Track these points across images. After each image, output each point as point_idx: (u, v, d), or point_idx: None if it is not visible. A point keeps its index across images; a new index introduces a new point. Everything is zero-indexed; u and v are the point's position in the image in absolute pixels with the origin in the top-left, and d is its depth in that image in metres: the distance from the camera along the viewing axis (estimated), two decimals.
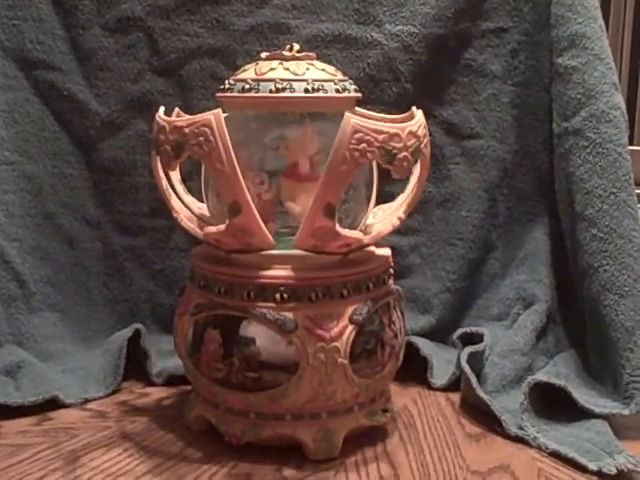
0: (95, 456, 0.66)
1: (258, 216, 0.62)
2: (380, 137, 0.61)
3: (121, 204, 0.90)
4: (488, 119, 0.89)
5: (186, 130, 0.61)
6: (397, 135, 0.62)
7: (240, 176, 0.60)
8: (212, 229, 0.65)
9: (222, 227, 0.63)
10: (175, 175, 0.74)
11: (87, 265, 0.90)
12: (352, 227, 0.68)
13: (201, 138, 0.60)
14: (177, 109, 0.71)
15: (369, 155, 0.60)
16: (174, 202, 0.70)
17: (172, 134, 0.62)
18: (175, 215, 0.69)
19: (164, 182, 0.69)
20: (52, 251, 0.88)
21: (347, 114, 0.60)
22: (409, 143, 0.62)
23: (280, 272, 0.64)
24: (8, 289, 0.85)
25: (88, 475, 0.63)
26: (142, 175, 0.88)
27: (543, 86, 0.87)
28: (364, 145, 0.60)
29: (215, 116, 0.60)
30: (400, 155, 0.62)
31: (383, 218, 0.72)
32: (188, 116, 0.65)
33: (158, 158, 0.66)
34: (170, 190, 0.71)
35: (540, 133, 0.88)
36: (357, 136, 0.60)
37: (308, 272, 0.64)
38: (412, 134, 0.63)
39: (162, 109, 0.67)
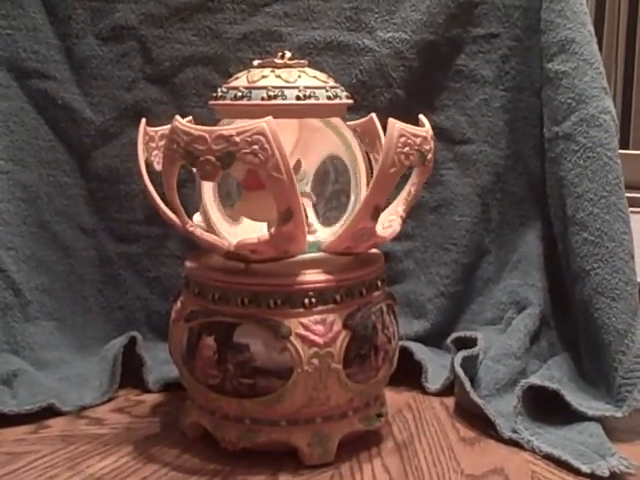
0: (92, 463, 0.66)
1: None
2: (417, 140, 0.63)
3: (116, 212, 0.90)
4: (480, 124, 0.89)
5: (237, 139, 0.59)
6: (426, 138, 0.65)
7: (296, 182, 0.60)
8: (251, 239, 0.63)
9: (265, 236, 0.62)
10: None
11: (82, 273, 0.90)
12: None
13: (255, 146, 0.58)
14: (180, 117, 0.70)
15: (411, 158, 0.63)
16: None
17: (217, 143, 0.59)
18: (192, 229, 0.65)
19: (175, 194, 0.65)
20: (47, 259, 0.88)
21: (390, 119, 0.62)
22: (432, 145, 0.66)
23: (273, 279, 0.64)
24: (4, 297, 0.85)
25: None
26: (137, 183, 0.89)
27: (534, 91, 0.87)
28: (407, 148, 0.63)
29: (268, 124, 0.59)
30: (429, 156, 0.66)
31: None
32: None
33: (173, 169, 0.62)
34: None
35: (532, 138, 0.88)
36: (402, 140, 0.62)
37: (301, 278, 0.64)
38: (431, 137, 0.66)
39: (144, 121, 0.66)
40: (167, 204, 0.66)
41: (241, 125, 0.59)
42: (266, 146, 0.59)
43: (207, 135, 0.59)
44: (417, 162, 0.64)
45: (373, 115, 0.76)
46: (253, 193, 0.66)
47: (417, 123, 0.73)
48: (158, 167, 0.74)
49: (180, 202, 0.64)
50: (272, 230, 0.62)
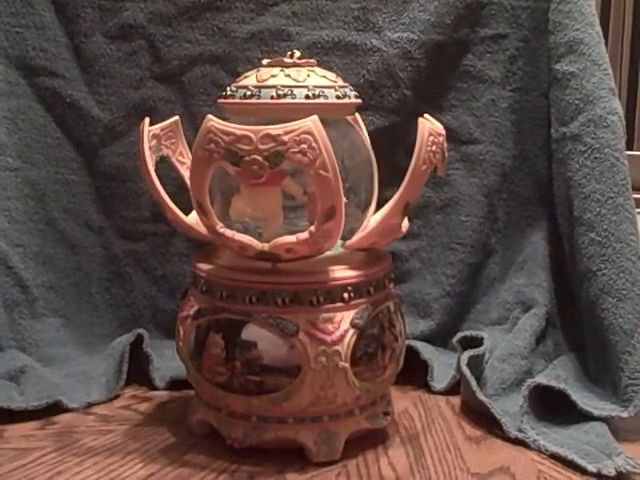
0: (98, 460, 0.66)
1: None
2: (440, 139, 0.65)
3: (123, 210, 0.91)
4: (487, 124, 0.90)
5: (285, 138, 0.59)
6: (444, 137, 0.66)
7: (340, 181, 0.61)
8: (289, 238, 0.63)
9: (305, 235, 0.62)
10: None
11: (89, 270, 0.90)
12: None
13: (304, 145, 0.59)
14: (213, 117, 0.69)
15: (437, 156, 0.65)
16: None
17: (264, 143, 0.59)
18: (222, 230, 0.64)
19: (207, 195, 0.63)
20: (55, 256, 0.89)
21: (421, 119, 0.64)
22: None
23: (281, 277, 0.65)
24: (11, 294, 0.85)
25: (91, 479, 0.63)
26: (143, 181, 0.89)
27: (541, 92, 0.87)
28: (435, 147, 0.64)
29: (314, 123, 0.59)
30: (446, 154, 0.67)
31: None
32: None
33: (208, 170, 0.61)
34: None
35: (538, 138, 0.88)
36: (431, 138, 0.64)
37: (309, 276, 0.65)
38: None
39: (147, 121, 0.66)
40: (199, 206, 0.64)
41: (288, 124, 0.59)
42: (314, 145, 0.59)
43: (252, 134, 0.59)
44: (440, 159, 0.66)
45: (177, 118, 0.75)
46: (251, 190, 0.66)
47: None
48: (183, 168, 0.74)
49: (188, 201, 0.64)
50: (312, 228, 0.62)
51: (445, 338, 0.89)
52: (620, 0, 1.45)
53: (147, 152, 0.70)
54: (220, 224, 0.64)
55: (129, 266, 0.91)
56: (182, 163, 0.75)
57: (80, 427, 0.73)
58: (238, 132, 0.59)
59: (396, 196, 0.65)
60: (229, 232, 0.64)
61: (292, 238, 0.62)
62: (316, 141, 0.59)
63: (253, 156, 0.59)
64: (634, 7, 1.44)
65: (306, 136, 0.59)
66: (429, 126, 0.64)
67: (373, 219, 0.71)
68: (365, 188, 0.70)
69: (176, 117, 0.74)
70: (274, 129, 0.59)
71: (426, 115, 0.68)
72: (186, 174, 0.73)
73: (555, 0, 0.85)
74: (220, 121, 0.60)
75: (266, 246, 0.63)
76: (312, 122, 0.59)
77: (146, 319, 0.91)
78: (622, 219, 0.78)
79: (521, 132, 0.89)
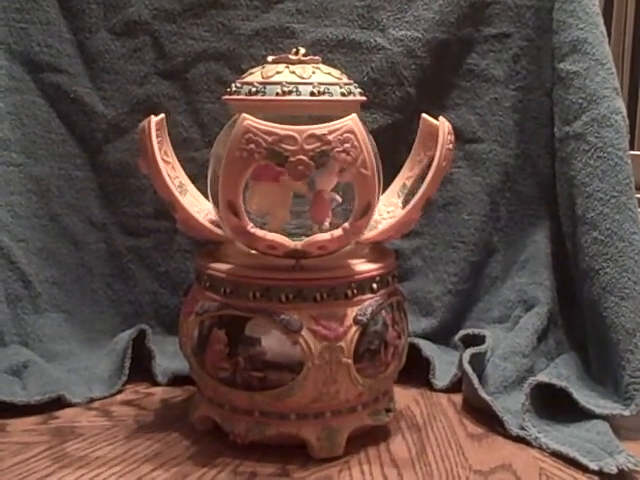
0: (100, 454, 0.67)
1: None
2: (452, 137, 0.69)
3: (126, 206, 0.91)
4: (490, 123, 0.90)
5: (329, 137, 0.59)
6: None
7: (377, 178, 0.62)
8: (323, 236, 0.63)
9: (339, 231, 0.63)
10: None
11: (92, 266, 0.90)
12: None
13: (347, 145, 0.59)
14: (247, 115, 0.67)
15: (452, 153, 0.70)
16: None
17: (309, 143, 0.59)
18: (253, 230, 0.63)
19: (241, 195, 0.62)
20: (58, 252, 0.89)
21: (441, 119, 0.68)
22: None
23: (285, 273, 0.65)
24: (14, 289, 0.85)
25: (93, 473, 0.63)
26: (147, 177, 0.89)
27: (545, 91, 0.88)
28: (451, 145, 0.68)
29: (354, 121, 0.60)
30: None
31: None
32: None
33: (246, 171, 0.60)
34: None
35: (542, 137, 0.89)
36: (449, 137, 0.68)
37: (313, 273, 0.65)
38: None
39: (153, 121, 0.65)
40: (228, 205, 0.62)
41: (330, 124, 0.60)
42: (356, 144, 0.60)
43: (297, 134, 0.59)
44: (449, 157, 0.68)
45: (163, 115, 0.72)
46: (261, 185, 0.66)
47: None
48: (168, 167, 0.73)
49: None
50: (347, 225, 0.63)
51: (447, 336, 0.89)
52: (622, 0, 1.45)
53: (157, 152, 0.68)
54: (251, 224, 0.63)
55: (132, 262, 0.91)
56: (167, 162, 0.73)
57: (82, 422, 0.73)
58: (281, 132, 0.59)
59: (420, 192, 0.67)
60: (260, 232, 0.63)
61: (326, 236, 0.63)
62: (358, 140, 0.60)
63: (299, 156, 0.59)
64: (636, 7, 1.44)
65: (349, 135, 0.60)
66: (448, 124, 0.68)
67: (383, 212, 0.73)
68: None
69: (162, 115, 0.72)
70: (318, 129, 0.59)
71: (424, 115, 0.70)
72: (172, 173, 0.72)
73: None
74: (258, 120, 0.59)
75: (299, 244, 0.63)
76: (353, 121, 0.60)
77: (148, 315, 0.91)
78: (625, 218, 0.78)
79: (524, 131, 0.89)
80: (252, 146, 0.59)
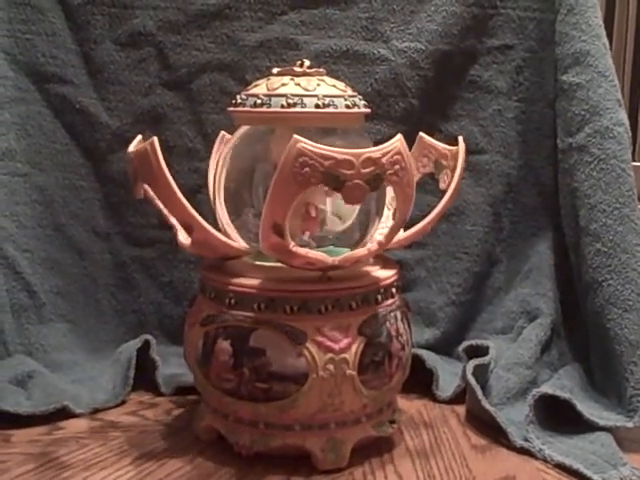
0: (105, 465, 0.67)
1: None
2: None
3: (130, 216, 0.91)
4: (493, 134, 0.90)
5: (383, 160, 0.59)
6: None
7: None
8: (361, 252, 0.65)
9: (375, 246, 0.65)
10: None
11: (96, 276, 0.91)
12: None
13: (397, 166, 0.60)
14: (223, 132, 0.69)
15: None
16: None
17: (365, 167, 0.59)
18: (295, 249, 0.62)
19: (288, 216, 0.60)
20: (62, 262, 0.89)
21: (460, 138, 0.73)
22: None
23: (289, 284, 0.65)
24: (18, 299, 0.86)
25: None
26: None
27: (547, 102, 0.88)
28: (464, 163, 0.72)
29: (401, 143, 0.60)
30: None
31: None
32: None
33: (299, 194, 0.59)
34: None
35: (544, 148, 0.89)
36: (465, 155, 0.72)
37: (318, 284, 0.65)
38: None
39: (156, 141, 0.61)
40: (273, 226, 0.60)
41: (382, 147, 0.60)
42: (404, 164, 0.61)
43: (354, 159, 0.58)
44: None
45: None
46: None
47: (429, 132, 0.77)
48: None
49: (195, 209, 0.64)
50: (383, 240, 0.64)
51: (450, 347, 0.89)
52: (623, 13, 1.46)
53: (167, 173, 0.63)
54: (293, 243, 0.62)
55: (136, 272, 0.91)
56: None
57: (86, 433, 0.73)
58: (339, 156, 0.58)
59: (440, 205, 0.71)
60: (302, 250, 0.63)
61: (364, 251, 0.64)
62: (405, 161, 0.61)
63: (356, 181, 0.59)
64: (637, 19, 1.45)
65: (398, 157, 0.60)
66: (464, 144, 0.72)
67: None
68: (375, 199, 0.70)
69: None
70: (373, 152, 0.59)
71: (421, 134, 0.74)
72: None
73: (562, 11, 0.85)
74: (312, 143, 0.58)
75: (336, 260, 0.63)
76: (400, 142, 0.60)
77: (152, 325, 0.91)
78: (628, 230, 0.78)
79: (527, 142, 0.90)
80: (307, 170, 0.58)
